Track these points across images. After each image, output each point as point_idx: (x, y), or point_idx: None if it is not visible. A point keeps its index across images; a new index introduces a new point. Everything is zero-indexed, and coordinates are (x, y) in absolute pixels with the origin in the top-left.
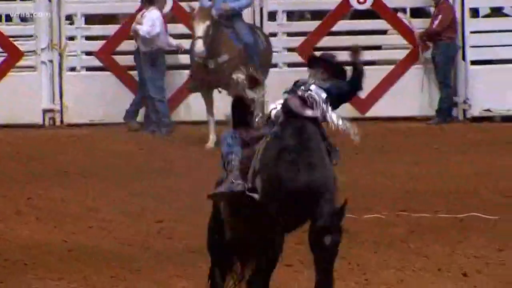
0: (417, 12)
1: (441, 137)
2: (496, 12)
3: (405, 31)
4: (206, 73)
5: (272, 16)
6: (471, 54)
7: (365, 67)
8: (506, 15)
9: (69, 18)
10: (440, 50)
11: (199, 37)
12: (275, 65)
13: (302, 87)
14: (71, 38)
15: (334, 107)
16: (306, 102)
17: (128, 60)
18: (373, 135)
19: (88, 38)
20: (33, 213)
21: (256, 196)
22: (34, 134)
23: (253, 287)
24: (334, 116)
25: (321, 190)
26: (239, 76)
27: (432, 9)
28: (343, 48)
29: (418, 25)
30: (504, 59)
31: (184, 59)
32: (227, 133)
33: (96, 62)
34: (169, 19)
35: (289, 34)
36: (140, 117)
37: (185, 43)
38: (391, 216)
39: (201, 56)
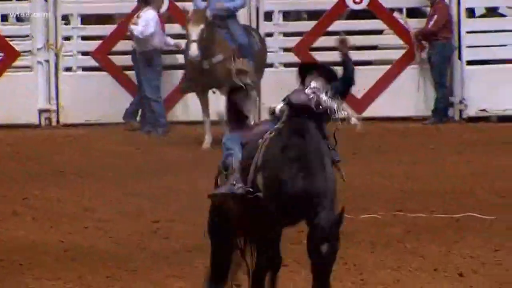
0: (412, 12)
1: (437, 137)
2: (492, 12)
3: (401, 31)
4: (200, 74)
5: (268, 16)
6: (467, 54)
7: (361, 67)
8: (502, 15)
9: (65, 18)
10: (436, 50)
11: (194, 41)
12: (271, 65)
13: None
14: (67, 38)
15: None
16: (310, 97)
17: (125, 60)
18: (369, 135)
19: (84, 38)
20: (29, 213)
21: (260, 195)
22: (30, 134)
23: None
24: (335, 106)
25: (320, 196)
26: (231, 67)
27: (428, 9)
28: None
29: (414, 25)
30: (500, 59)
31: (181, 59)
32: (225, 137)
33: (92, 62)
34: (165, 19)
35: (285, 34)
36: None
37: (182, 43)
38: (388, 216)
39: (195, 59)
